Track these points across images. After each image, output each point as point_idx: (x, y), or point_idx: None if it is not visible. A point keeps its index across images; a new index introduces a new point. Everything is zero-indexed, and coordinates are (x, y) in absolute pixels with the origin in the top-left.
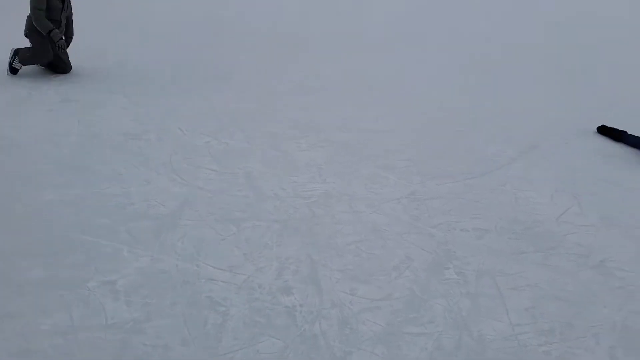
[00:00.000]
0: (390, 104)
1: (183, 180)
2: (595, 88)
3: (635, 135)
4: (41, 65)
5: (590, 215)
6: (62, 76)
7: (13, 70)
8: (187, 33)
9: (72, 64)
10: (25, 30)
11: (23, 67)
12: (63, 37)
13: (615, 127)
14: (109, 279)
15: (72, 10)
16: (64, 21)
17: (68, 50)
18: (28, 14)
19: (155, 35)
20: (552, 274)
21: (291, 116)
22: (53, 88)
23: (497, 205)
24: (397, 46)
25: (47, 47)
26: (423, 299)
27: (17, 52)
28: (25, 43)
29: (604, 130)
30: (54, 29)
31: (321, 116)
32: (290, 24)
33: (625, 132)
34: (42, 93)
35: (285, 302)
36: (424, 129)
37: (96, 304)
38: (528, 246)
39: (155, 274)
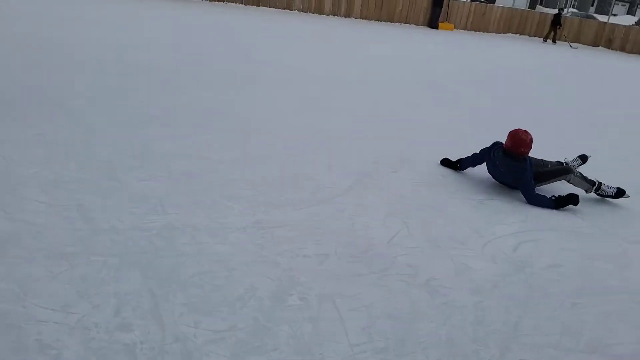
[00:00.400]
0: (232, 132)
1: (7, 214)
2: (410, 122)
3: (468, 155)
4: None
5: (417, 237)
6: None
7: None
8: (9, 55)
9: None
10: None
11: None
12: None
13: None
14: None
15: None
16: None
17: None
18: None
19: None
20: (385, 293)
21: (129, 145)
22: None
23: (336, 231)
24: (240, 80)
25: None
26: (267, 327)
27: None
28: None
29: (446, 163)
30: None
31: (162, 145)
32: (125, 51)
33: (461, 159)
34: None
35: (124, 339)
36: (267, 159)
37: None
38: (364, 268)
39: None
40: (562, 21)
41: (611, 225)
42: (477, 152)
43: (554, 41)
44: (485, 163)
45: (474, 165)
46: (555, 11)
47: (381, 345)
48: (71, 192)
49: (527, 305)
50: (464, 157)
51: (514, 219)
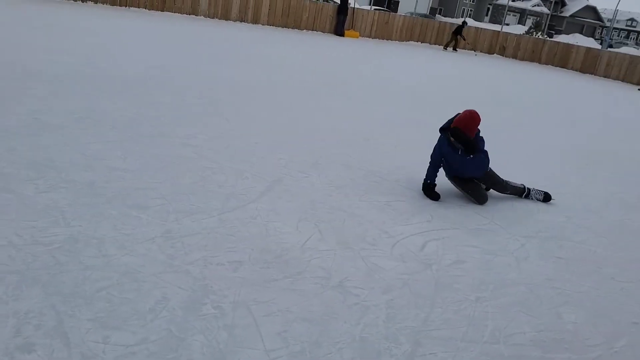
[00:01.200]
0: (135, 142)
1: None
2: (311, 124)
3: (429, 169)
4: None
5: (329, 240)
6: None
7: None
8: None
9: None
10: None
11: None
12: None
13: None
14: None
15: None
16: None
17: None
18: None
19: None
20: (299, 297)
21: (26, 155)
22: None
23: (250, 237)
24: (132, 88)
25: None
26: (180, 337)
27: None
28: None
29: (429, 192)
30: None
31: (61, 154)
32: (22, 56)
33: (428, 180)
34: None
35: None
36: (175, 166)
37: None
38: (278, 273)
39: None
40: (463, 32)
41: (509, 222)
42: (431, 158)
43: (454, 49)
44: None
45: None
46: (459, 22)
47: (297, 349)
48: None
49: (435, 301)
50: (428, 174)
51: (419, 219)
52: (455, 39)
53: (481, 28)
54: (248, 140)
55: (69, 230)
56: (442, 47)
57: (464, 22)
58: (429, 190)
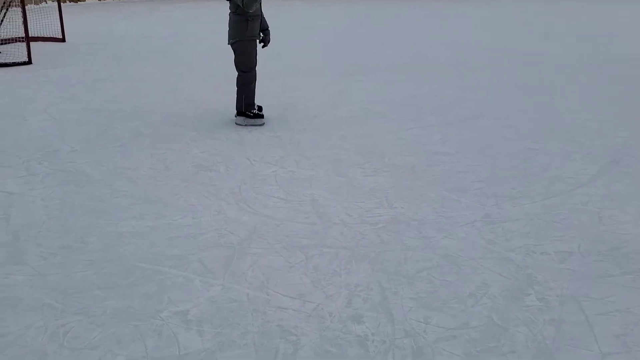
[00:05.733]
0: (454, 125)
1: (252, 209)
2: None
3: None
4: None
5: None
6: (133, 113)
7: (257, 116)
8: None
9: (147, 102)
10: (233, 36)
11: (250, 104)
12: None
13: None
14: (181, 308)
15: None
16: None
17: None
18: (231, 18)
19: (215, 75)
20: None
21: (355, 142)
22: (125, 124)
23: (579, 226)
24: (451, 72)
25: (254, 54)
26: (503, 327)
27: (240, 105)
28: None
29: None
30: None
31: (384, 140)
32: (344, 52)
33: None
34: (114, 129)
35: (356, 330)
36: (493, 149)
37: (169, 334)
38: (615, 268)
39: (226, 303)
40: None
41: None
42: None
43: None
44: None
45: None
46: None
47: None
48: (305, 189)
49: None
50: None
51: None
52: None
53: None
54: (577, 117)
55: (392, 212)
56: None
57: None
58: None
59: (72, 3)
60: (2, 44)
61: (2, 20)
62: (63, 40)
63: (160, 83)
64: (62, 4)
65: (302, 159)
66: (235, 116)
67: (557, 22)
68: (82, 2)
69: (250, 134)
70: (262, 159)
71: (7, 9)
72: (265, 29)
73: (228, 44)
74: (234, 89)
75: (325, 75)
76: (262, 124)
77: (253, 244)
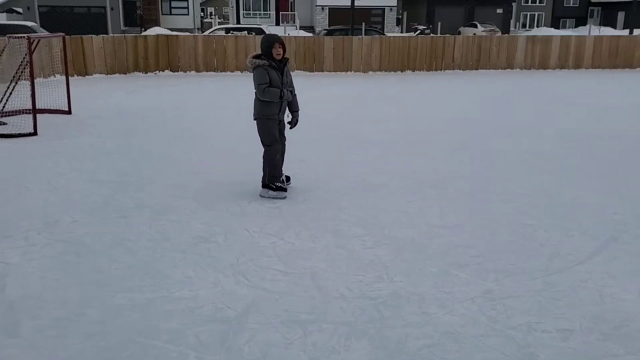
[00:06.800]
0: (453, 199)
1: (250, 282)
2: None
3: None
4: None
5: None
6: (136, 184)
7: (280, 189)
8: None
9: (151, 173)
10: (254, 114)
11: (273, 177)
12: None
13: None
14: None
15: (293, 84)
16: (287, 94)
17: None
18: (254, 97)
19: (221, 149)
20: None
21: (355, 213)
22: (128, 195)
23: (580, 304)
24: (450, 147)
25: (273, 130)
26: None
27: (265, 178)
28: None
29: None
30: (282, 89)
31: (385, 212)
32: (348, 125)
33: None
34: (116, 200)
35: None
36: (492, 223)
37: None
38: (619, 348)
39: None
40: None
41: None
42: None
43: None
44: None
45: None
46: None
47: None
48: (304, 261)
49: None
50: None
51: None
52: None
53: None
54: (574, 192)
55: (392, 286)
56: None
57: None
58: None
59: (79, 77)
60: (8, 115)
61: (11, 93)
62: (69, 112)
63: (164, 155)
64: (69, 77)
65: (302, 230)
66: (262, 187)
67: (554, 96)
68: (89, 76)
69: (250, 205)
70: (261, 230)
71: (16, 82)
72: (295, 111)
73: (254, 119)
74: (235, 161)
75: (328, 147)
76: (284, 197)
77: (250, 318)
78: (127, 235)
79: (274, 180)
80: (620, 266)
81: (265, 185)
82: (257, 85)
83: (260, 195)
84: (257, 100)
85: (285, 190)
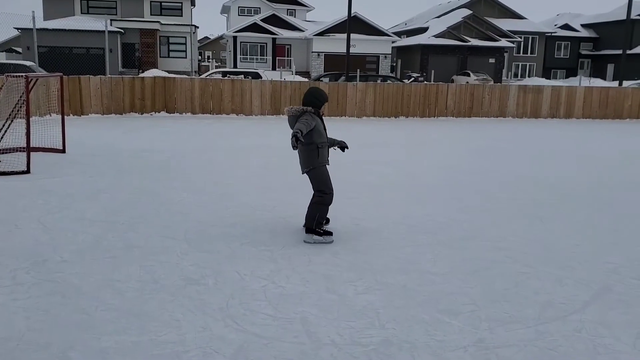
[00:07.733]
0: (445, 245)
1: (239, 326)
2: None
3: None
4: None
5: None
6: (127, 224)
7: (327, 233)
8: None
9: (142, 213)
10: (307, 166)
11: (321, 223)
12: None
13: None
14: None
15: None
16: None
17: None
18: (301, 151)
19: (214, 193)
20: None
21: (347, 258)
22: (118, 235)
23: (574, 354)
24: (444, 193)
25: (328, 176)
26: None
27: (311, 223)
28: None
29: None
30: (325, 135)
31: (377, 257)
32: (342, 169)
33: None
34: (106, 240)
35: None
36: (484, 271)
37: None
38: None
39: None
40: None
41: None
42: None
43: None
44: None
45: None
46: None
47: None
48: (295, 305)
49: None
50: None
51: None
52: None
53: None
54: (567, 241)
55: (384, 333)
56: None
57: None
58: None
59: (75, 116)
60: (2, 153)
61: (6, 131)
62: (63, 151)
63: (156, 195)
64: (65, 116)
65: (293, 274)
66: (305, 233)
67: (547, 145)
68: (85, 116)
69: (242, 247)
70: (252, 273)
71: (11, 121)
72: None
73: (302, 173)
74: (227, 202)
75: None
76: (331, 242)
77: None
78: (115, 276)
79: (320, 226)
80: (614, 317)
81: (310, 230)
82: (304, 121)
83: (305, 242)
84: (306, 151)
85: (331, 234)
